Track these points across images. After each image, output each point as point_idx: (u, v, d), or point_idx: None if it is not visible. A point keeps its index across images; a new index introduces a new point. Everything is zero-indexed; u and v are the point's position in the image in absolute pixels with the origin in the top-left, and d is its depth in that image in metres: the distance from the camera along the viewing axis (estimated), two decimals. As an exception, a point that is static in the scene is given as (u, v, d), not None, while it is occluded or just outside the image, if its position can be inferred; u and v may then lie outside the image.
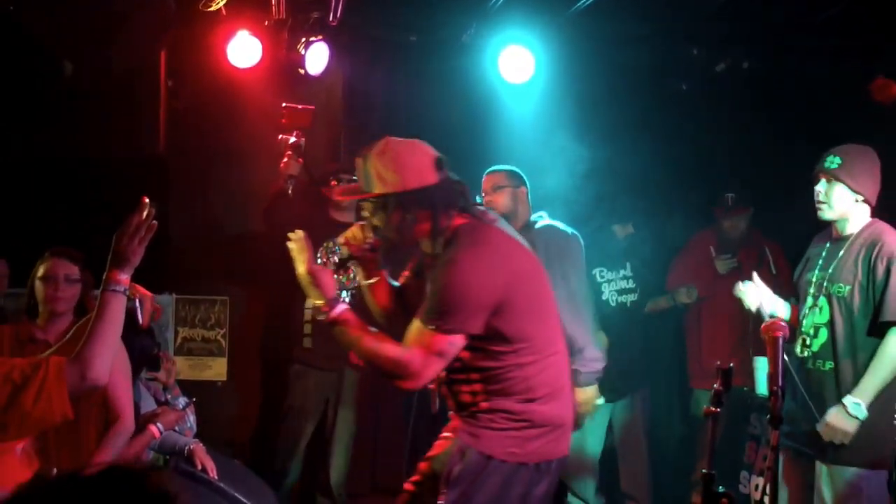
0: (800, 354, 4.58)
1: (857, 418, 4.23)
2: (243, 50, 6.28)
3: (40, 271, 4.54)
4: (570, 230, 5.26)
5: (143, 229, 3.17)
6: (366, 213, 3.73)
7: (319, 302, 3.68)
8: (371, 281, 4.00)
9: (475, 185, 5.57)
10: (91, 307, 4.24)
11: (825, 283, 4.45)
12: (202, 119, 6.67)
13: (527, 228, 5.22)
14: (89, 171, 6.37)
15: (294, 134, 6.20)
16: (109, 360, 3.12)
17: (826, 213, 4.51)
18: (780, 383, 3.41)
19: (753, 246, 6.62)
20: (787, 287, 6.48)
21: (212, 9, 6.01)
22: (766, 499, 3.43)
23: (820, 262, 4.53)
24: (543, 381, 3.59)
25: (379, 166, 3.58)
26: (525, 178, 5.47)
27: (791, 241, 6.47)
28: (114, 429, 4.53)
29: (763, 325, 3.69)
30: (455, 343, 3.47)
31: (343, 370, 6.39)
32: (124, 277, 3.15)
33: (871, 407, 4.26)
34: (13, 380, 3.01)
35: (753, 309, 4.65)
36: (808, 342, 4.51)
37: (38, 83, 6.12)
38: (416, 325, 3.52)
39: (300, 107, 6.21)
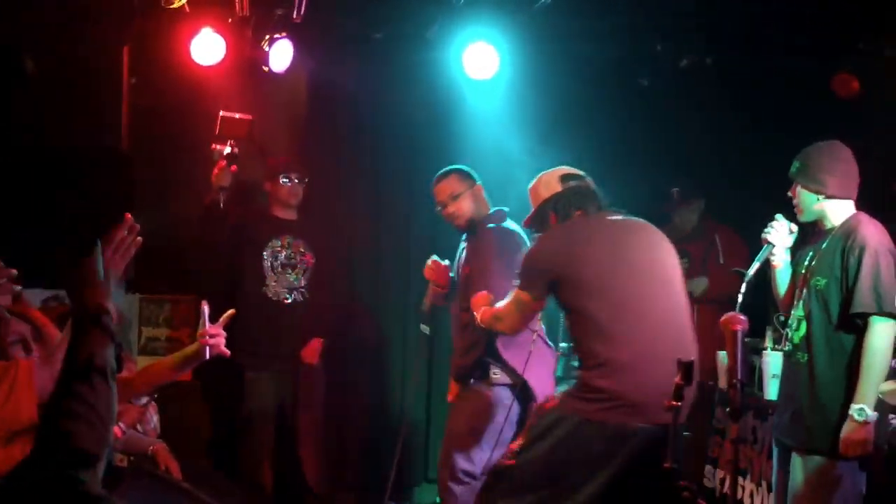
0: (784, 348, 4.64)
1: (867, 422, 4.18)
2: (207, 47, 6.24)
3: None
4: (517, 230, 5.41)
5: (127, 244, 3.17)
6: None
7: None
8: None
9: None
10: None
11: (808, 277, 4.47)
12: (165, 116, 6.62)
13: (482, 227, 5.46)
14: (51, 167, 6.31)
15: (228, 143, 6.15)
16: None
17: (800, 217, 4.57)
18: (738, 376, 3.43)
19: (704, 237, 6.67)
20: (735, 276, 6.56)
21: (174, 5, 5.97)
22: (728, 491, 3.45)
23: (808, 256, 4.55)
24: (598, 353, 4.21)
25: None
26: (474, 173, 5.52)
27: (753, 236, 6.53)
28: None
29: (722, 319, 3.72)
30: (521, 300, 4.44)
31: (297, 369, 6.38)
32: None
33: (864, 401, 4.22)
34: None
35: (777, 243, 4.60)
36: (790, 335, 4.55)
37: (-1, 78, 6.07)
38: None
39: (237, 116, 6.16)
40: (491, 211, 5.51)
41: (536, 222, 4.57)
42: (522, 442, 4.35)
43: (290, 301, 6.40)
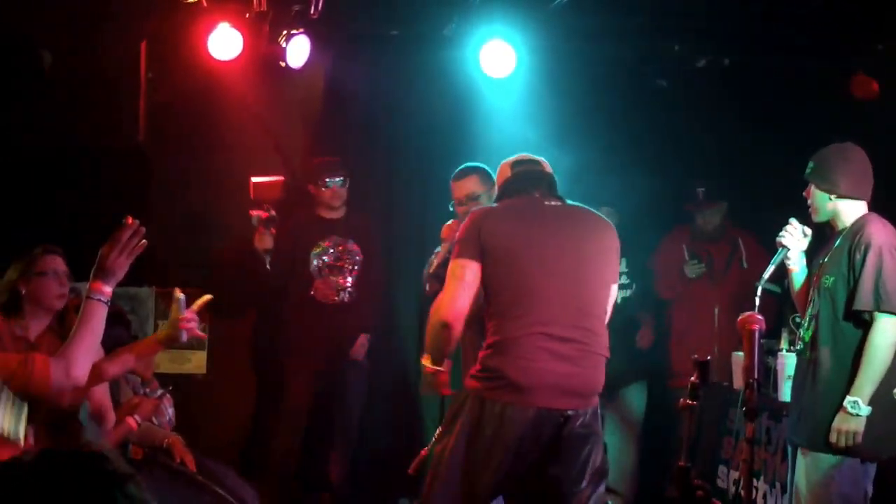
0: (797, 346, 4.65)
1: (859, 415, 4.20)
2: (224, 42, 6.25)
3: (40, 266, 4.24)
4: None
5: (131, 245, 3.32)
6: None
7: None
8: None
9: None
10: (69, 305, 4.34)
11: (820, 276, 4.48)
12: (182, 111, 6.65)
13: None
14: (69, 162, 6.34)
15: (264, 208, 6.27)
16: (90, 363, 3.34)
17: (814, 217, 4.57)
18: (755, 376, 3.42)
19: (726, 241, 6.65)
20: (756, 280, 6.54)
21: (192, 0, 5.99)
22: (742, 492, 3.44)
23: (824, 256, 4.55)
24: (492, 331, 4.17)
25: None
26: (492, 174, 5.51)
27: (772, 237, 6.51)
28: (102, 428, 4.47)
29: (739, 318, 3.72)
30: (465, 266, 4.19)
31: (341, 368, 6.40)
32: (108, 289, 3.36)
33: (871, 401, 4.23)
34: None
35: (791, 246, 4.58)
36: (801, 335, 4.56)
37: (18, 73, 6.09)
38: None
39: (269, 179, 6.25)
40: None
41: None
42: (441, 427, 4.33)
43: (336, 301, 6.42)
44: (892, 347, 4.25)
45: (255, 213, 6.34)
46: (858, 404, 4.20)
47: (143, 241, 3.39)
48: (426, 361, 4.40)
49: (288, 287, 6.49)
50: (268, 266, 6.39)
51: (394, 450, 6.80)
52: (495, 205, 4.50)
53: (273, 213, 6.34)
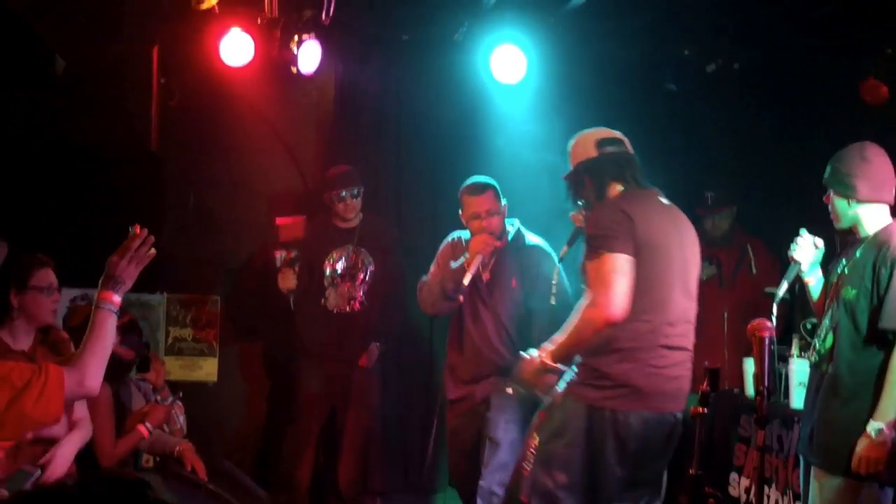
0: (811, 358, 4.53)
1: (884, 442, 4.04)
2: (236, 47, 6.27)
3: (35, 281, 4.13)
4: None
5: (141, 254, 3.33)
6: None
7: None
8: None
9: (463, 181, 5.59)
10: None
11: (839, 287, 4.34)
12: (195, 116, 6.67)
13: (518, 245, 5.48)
14: (82, 167, 6.37)
15: (285, 249, 6.35)
16: (102, 372, 3.35)
17: (836, 224, 4.44)
18: (766, 383, 3.41)
19: (735, 245, 6.63)
20: (765, 286, 6.51)
21: (204, 6, 5.99)
22: (754, 499, 3.42)
23: (842, 263, 4.42)
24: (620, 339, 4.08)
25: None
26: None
27: (781, 241, 6.49)
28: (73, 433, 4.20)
29: (749, 325, 3.68)
30: (625, 259, 4.04)
31: (352, 374, 6.41)
32: (117, 298, 3.36)
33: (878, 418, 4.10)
34: (12, 382, 3.20)
35: (803, 259, 4.53)
36: (817, 346, 4.42)
37: (31, 77, 6.11)
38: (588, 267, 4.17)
39: (292, 221, 6.29)
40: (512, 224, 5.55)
41: (571, 182, 4.45)
42: (539, 440, 4.27)
43: (348, 310, 6.44)
44: None
45: (279, 253, 6.38)
46: (883, 431, 4.04)
47: (152, 249, 3.39)
48: (548, 358, 4.25)
49: (301, 295, 6.50)
50: (292, 306, 6.43)
51: (409, 453, 6.82)
52: (617, 196, 4.29)
53: (296, 252, 6.38)
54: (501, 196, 5.51)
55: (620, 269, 4.04)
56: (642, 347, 4.12)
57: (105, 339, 3.34)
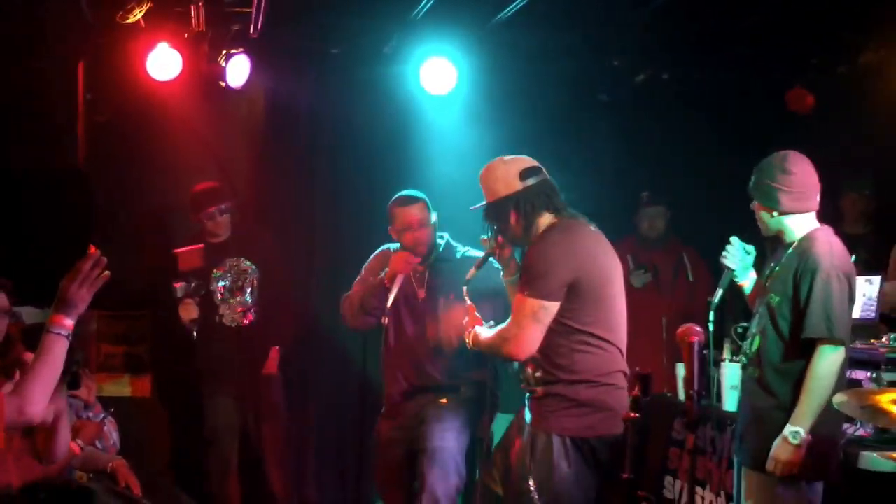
0: (741, 360, 4.56)
1: (799, 446, 4.09)
2: (163, 62, 6.24)
3: None
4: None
5: (93, 277, 3.25)
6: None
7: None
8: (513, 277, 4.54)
9: (395, 193, 5.58)
10: (12, 333, 4.23)
11: (767, 290, 4.38)
12: (122, 132, 6.60)
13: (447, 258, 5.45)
14: (8, 187, 6.27)
15: (188, 279, 6.19)
16: (47, 399, 3.26)
17: (763, 232, 4.48)
18: (695, 387, 3.45)
19: (671, 252, 6.71)
20: (702, 293, 6.59)
21: (130, 20, 5.95)
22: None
23: (770, 268, 4.45)
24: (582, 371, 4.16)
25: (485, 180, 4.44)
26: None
27: (714, 247, 6.58)
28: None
29: (678, 330, 3.72)
30: (547, 308, 4.10)
31: (258, 384, 6.37)
32: (69, 322, 3.29)
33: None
34: None
35: (734, 266, 4.54)
36: (746, 348, 4.46)
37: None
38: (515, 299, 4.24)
39: (189, 249, 6.22)
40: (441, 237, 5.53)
41: (491, 216, 4.40)
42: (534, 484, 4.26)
43: (247, 323, 6.38)
44: (835, 376, 4.13)
45: (178, 284, 6.19)
46: (800, 434, 4.10)
47: (106, 272, 3.32)
48: (471, 338, 4.46)
49: (201, 316, 6.36)
50: (193, 336, 6.26)
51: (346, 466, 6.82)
52: (554, 229, 4.28)
53: (196, 282, 6.22)
54: (432, 209, 5.50)
55: (538, 317, 4.13)
56: (607, 373, 4.20)
57: (54, 363, 3.27)
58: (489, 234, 4.47)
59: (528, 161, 4.38)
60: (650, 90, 7.03)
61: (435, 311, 5.40)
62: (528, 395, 4.36)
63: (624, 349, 4.32)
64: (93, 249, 3.34)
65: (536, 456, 4.23)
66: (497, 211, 4.36)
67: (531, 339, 4.16)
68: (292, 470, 6.92)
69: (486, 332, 4.44)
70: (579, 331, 4.18)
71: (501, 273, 4.61)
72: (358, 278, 5.61)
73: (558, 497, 4.18)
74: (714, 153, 6.77)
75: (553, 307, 4.12)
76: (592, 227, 4.38)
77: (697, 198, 6.94)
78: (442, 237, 5.53)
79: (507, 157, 4.42)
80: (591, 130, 7.00)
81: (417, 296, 5.48)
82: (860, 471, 4.25)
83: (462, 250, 5.52)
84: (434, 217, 5.47)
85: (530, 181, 4.30)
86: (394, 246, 5.56)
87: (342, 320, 5.68)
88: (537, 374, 4.27)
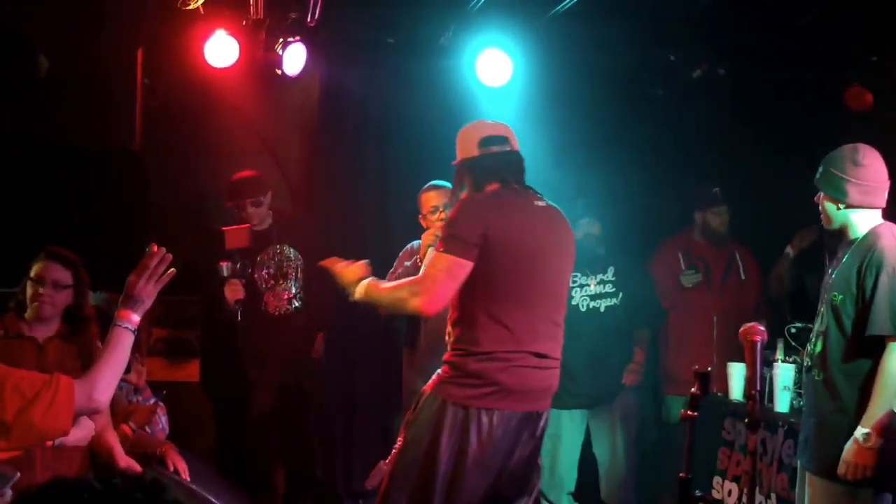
0: (803, 363, 4.50)
1: (872, 448, 4.00)
2: (220, 49, 6.24)
3: (32, 271, 4.43)
4: None
5: (158, 272, 3.37)
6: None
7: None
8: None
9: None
10: (87, 310, 4.43)
11: (828, 290, 4.29)
12: (178, 117, 6.64)
13: None
14: (65, 167, 6.33)
15: (234, 259, 6.15)
16: (113, 388, 3.39)
17: (825, 225, 4.37)
18: (757, 387, 3.40)
19: (725, 250, 6.64)
20: (753, 293, 6.52)
21: (190, 7, 5.97)
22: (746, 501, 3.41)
23: (834, 267, 4.35)
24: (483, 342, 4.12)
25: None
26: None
27: (767, 246, 6.51)
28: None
29: (741, 329, 3.66)
30: (462, 265, 4.08)
31: (302, 371, 6.39)
32: (136, 318, 3.39)
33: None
34: (22, 391, 3.20)
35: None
36: (809, 350, 4.37)
37: (14, 77, 6.07)
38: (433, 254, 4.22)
39: (236, 227, 6.18)
40: None
41: (455, 177, 4.46)
42: (405, 434, 4.27)
43: (290, 310, 6.38)
44: None
45: (225, 263, 6.15)
46: (871, 435, 4.00)
47: (172, 269, 3.40)
48: (363, 290, 4.36)
49: (246, 303, 6.36)
50: (238, 317, 6.19)
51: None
52: (484, 193, 4.28)
53: (241, 261, 6.17)
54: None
55: (452, 272, 4.10)
56: (507, 350, 4.14)
57: (120, 356, 3.37)
58: (454, 191, 4.52)
59: (495, 129, 4.42)
60: (706, 86, 6.95)
61: None
62: None
63: (547, 329, 4.24)
64: (155, 247, 3.41)
65: (417, 413, 4.23)
66: (457, 173, 4.43)
67: (442, 294, 4.11)
68: (337, 458, 6.95)
69: (386, 283, 4.43)
70: (489, 302, 4.14)
71: None
72: (390, 272, 5.59)
73: (426, 458, 4.13)
74: (770, 152, 6.70)
75: (467, 265, 4.09)
76: (540, 203, 4.33)
77: (751, 196, 6.86)
78: None
79: (480, 122, 4.51)
80: (644, 125, 6.95)
81: None
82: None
83: None
84: (447, 199, 5.43)
85: (490, 149, 4.34)
86: (417, 243, 5.57)
87: (378, 310, 5.68)
88: (447, 338, 4.28)
